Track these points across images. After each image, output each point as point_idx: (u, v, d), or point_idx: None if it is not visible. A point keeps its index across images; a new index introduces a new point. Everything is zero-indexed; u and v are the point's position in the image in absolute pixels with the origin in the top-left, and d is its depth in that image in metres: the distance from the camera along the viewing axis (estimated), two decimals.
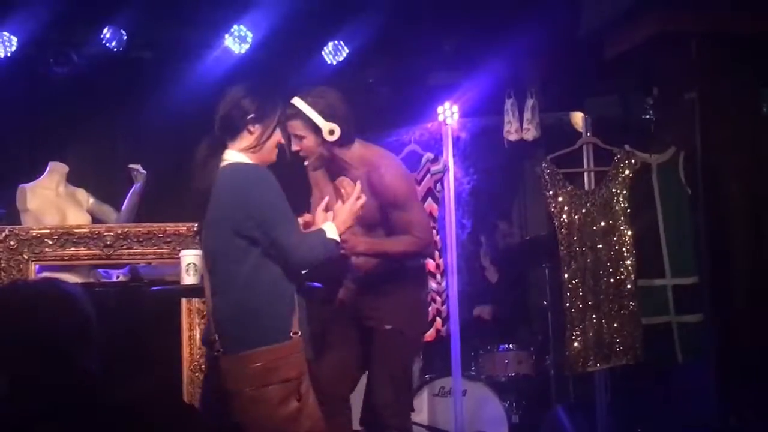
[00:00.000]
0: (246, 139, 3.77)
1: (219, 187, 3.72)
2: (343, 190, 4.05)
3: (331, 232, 3.76)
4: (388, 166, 4.38)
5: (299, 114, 4.27)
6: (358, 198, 3.89)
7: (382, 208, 4.34)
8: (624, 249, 6.15)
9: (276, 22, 7.12)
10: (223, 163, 3.77)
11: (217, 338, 3.72)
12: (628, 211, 6.21)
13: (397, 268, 4.45)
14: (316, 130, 4.28)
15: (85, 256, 5.91)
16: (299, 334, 3.68)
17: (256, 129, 3.76)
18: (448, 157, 6.22)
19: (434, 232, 6.22)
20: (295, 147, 4.29)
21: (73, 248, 5.85)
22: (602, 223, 6.20)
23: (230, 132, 3.79)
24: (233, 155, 3.77)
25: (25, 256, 5.80)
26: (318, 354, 3.97)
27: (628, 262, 6.13)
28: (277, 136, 3.82)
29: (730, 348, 6.43)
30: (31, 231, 5.88)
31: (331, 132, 4.27)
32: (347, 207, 3.88)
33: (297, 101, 4.28)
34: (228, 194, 3.70)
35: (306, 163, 4.39)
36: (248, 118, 3.75)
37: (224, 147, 3.79)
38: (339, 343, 4.50)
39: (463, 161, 7.18)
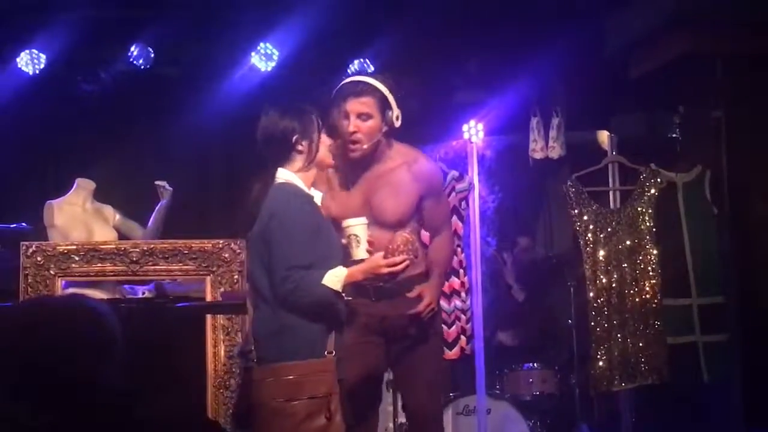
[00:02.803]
0: (298, 160, 3.80)
1: (263, 205, 3.78)
2: (393, 245, 3.85)
3: (332, 278, 3.69)
4: (425, 158, 4.47)
5: (372, 92, 4.17)
6: (401, 256, 3.78)
7: (421, 199, 4.37)
8: (649, 268, 6.13)
9: (302, 40, 7.15)
10: (276, 182, 3.82)
11: (252, 349, 3.75)
12: (654, 230, 6.19)
13: (420, 276, 4.45)
14: (384, 111, 4.18)
15: (111, 272, 5.93)
16: (333, 353, 3.70)
17: (305, 145, 3.79)
18: (473, 175, 6.21)
19: (459, 249, 6.23)
20: (353, 128, 4.17)
21: (99, 264, 5.87)
22: (628, 242, 6.19)
23: (280, 156, 3.81)
24: (284, 174, 3.81)
25: (52, 272, 5.83)
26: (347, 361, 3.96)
27: (654, 281, 6.11)
28: (325, 141, 3.85)
29: (756, 368, 6.39)
30: (57, 247, 5.91)
31: (398, 117, 4.21)
32: (381, 261, 3.79)
33: (370, 79, 4.21)
34: (263, 213, 3.76)
35: (354, 147, 4.22)
36: (294, 138, 3.77)
37: (276, 168, 3.82)
38: (365, 350, 4.45)
39: (488, 179, 7.17)
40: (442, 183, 4.64)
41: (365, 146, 4.22)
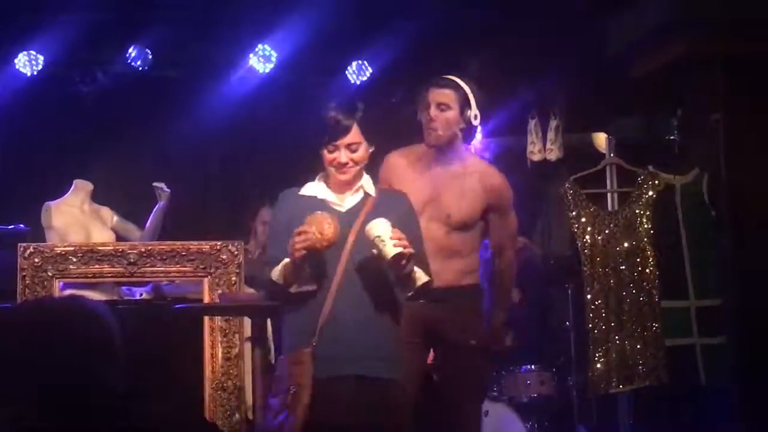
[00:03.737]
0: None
1: None
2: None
3: (275, 271, 3.76)
4: (498, 173, 4.59)
5: (454, 86, 4.45)
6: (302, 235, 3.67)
7: (486, 210, 4.49)
8: (647, 270, 6.13)
9: (300, 42, 7.15)
10: None
11: None
12: (652, 232, 6.19)
13: (475, 289, 4.56)
14: (463, 107, 4.42)
15: (109, 273, 5.93)
16: (311, 347, 3.70)
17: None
18: None
19: None
20: (432, 115, 4.39)
21: (97, 266, 5.87)
22: (625, 244, 6.19)
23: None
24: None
25: (50, 273, 5.83)
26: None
27: (652, 283, 6.11)
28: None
29: (754, 370, 6.39)
30: (55, 248, 5.90)
31: (476, 117, 4.42)
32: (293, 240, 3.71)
33: (454, 77, 4.47)
34: None
35: (432, 134, 4.42)
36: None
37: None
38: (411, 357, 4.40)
39: None
40: (512, 201, 4.65)
41: (441, 134, 4.41)
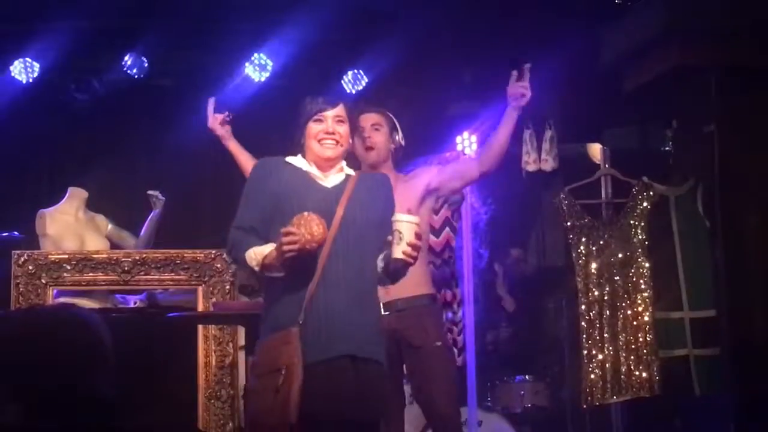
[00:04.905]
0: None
1: None
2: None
3: (251, 255, 3.68)
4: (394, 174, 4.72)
5: (382, 112, 4.82)
6: (290, 236, 3.60)
7: (423, 207, 4.72)
8: (641, 281, 6.14)
9: (296, 51, 7.16)
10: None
11: None
12: (646, 243, 6.20)
13: (432, 297, 4.74)
14: (392, 129, 4.79)
15: (103, 281, 5.93)
16: (297, 326, 3.64)
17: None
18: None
19: (451, 262, 6.26)
20: (368, 134, 4.72)
21: (91, 274, 5.87)
22: (620, 255, 6.19)
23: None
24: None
25: (44, 281, 5.83)
26: None
27: (646, 294, 6.12)
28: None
29: (748, 382, 6.39)
30: (49, 256, 5.90)
31: (403, 139, 4.80)
32: (280, 239, 3.63)
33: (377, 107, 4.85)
34: None
35: (372, 153, 4.72)
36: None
37: None
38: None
39: (481, 191, 7.18)
40: (426, 172, 4.86)
41: (379, 151, 4.74)
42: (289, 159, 3.88)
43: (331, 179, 3.84)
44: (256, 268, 3.67)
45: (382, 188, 3.93)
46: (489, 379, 6.72)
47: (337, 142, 3.81)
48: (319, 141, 3.81)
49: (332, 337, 3.64)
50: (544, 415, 6.75)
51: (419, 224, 3.72)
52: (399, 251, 3.63)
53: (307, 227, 3.57)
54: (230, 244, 3.77)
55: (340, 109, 3.85)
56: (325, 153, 3.82)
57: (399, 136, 4.80)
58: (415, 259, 3.67)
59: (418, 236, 3.65)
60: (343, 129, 3.84)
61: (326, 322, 3.64)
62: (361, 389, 3.68)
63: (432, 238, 6.33)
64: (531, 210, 8.16)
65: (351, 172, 3.91)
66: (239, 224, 3.77)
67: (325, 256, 3.67)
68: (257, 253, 3.65)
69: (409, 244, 3.61)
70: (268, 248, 3.64)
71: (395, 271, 3.75)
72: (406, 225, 3.65)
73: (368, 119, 4.75)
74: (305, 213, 3.60)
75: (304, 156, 3.86)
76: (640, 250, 6.19)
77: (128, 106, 7.52)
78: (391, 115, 4.83)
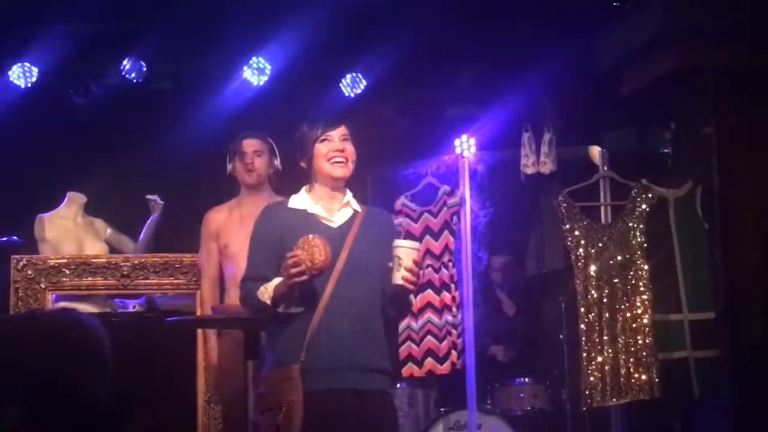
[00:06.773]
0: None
1: None
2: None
3: (263, 291, 3.72)
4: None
5: (263, 138, 5.35)
6: (293, 259, 3.64)
7: None
8: (640, 283, 6.13)
9: (294, 55, 7.15)
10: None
11: None
12: (645, 245, 6.20)
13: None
14: (271, 155, 5.33)
15: (102, 286, 5.94)
16: (299, 363, 3.67)
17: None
18: (465, 189, 6.22)
19: (450, 264, 6.25)
20: (250, 158, 5.25)
21: (90, 278, 5.88)
22: (619, 257, 6.19)
23: None
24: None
25: (42, 286, 5.83)
26: None
27: (645, 296, 6.11)
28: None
29: (747, 384, 6.39)
30: (48, 260, 5.91)
31: (280, 164, 5.29)
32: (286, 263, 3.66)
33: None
34: None
35: (253, 175, 5.27)
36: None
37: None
38: None
39: (480, 194, 7.17)
40: None
41: (261, 173, 5.32)
42: (293, 201, 3.88)
43: (337, 217, 3.85)
44: (269, 302, 3.69)
45: (386, 225, 3.99)
46: (488, 381, 6.71)
47: (347, 159, 3.84)
48: (329, 160, 3.82)
49: (335, 369, 3.67)
50: (543, 417, 6.74)
51: (419, 249, 3.72)
52: (398, 277, 3.64)
53: (309, 253, 3.58)
54: (242, 295, 3.84)
55: (343, 129, 3.88)
56: (335, 172, 3.83)
57: (277, 161, 5.30)
58: (415, 284, 3.68)
59: (416, 262, 3.65)
60: (350, 147, 3.85)
61: (329, 355, 3.66)
62: (364, 422, 3.69)
63: (431, 241, 6.34)
64: (530, 213, 8.15)
65: (357, 207, 3.90)
66: (249, 275, 3.82)
67: (330, 289, 3.69)
68: (268, 287, 3.70)
69: (406, 269, 3.62)
70: (278, 280, 3.69)
71: (397, 298, 3.76)
72: (404, 251, 3.66)
73: (250, 145, 5.28)
74: (309, 236, 3.62)
75: (310, 186, 3.87)
76: (639, 252, 6.18)
77: (127, 110, 7.51)
78: (271, 141, 5.32)
